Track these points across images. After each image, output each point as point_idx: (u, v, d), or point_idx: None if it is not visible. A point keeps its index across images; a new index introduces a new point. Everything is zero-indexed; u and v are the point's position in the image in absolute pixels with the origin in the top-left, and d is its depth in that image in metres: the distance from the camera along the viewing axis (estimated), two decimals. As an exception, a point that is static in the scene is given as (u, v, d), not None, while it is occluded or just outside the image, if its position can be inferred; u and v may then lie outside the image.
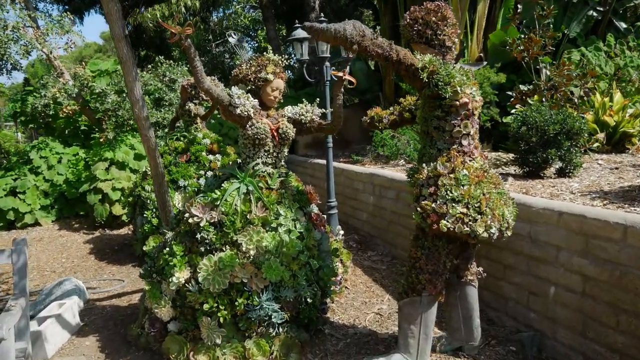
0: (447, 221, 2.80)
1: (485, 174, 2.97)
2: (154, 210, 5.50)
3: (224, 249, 3.22)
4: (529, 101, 6.02)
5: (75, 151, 8.44)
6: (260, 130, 3.26)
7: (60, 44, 7.83)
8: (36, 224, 7.88)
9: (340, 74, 3.18)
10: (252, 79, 3.32)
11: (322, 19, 5.06)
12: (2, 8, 7.15)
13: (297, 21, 5.58)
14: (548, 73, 5.69)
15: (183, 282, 3.21)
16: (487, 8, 9.15)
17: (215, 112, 6.54)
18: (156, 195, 3.98)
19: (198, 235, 3.23)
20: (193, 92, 5.93)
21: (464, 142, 2.97)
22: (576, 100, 5.73)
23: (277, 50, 10.15)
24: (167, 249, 3.36)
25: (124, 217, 7.31)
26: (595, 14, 9.42)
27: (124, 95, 7.73)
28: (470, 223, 2.80)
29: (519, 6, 9.55)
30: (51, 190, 8.03)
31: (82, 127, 9.06)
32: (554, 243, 3.29)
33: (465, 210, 2.81)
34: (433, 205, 2.85)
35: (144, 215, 5.57)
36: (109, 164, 7.55)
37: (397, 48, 2.72)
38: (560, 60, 5.78)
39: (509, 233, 2.96)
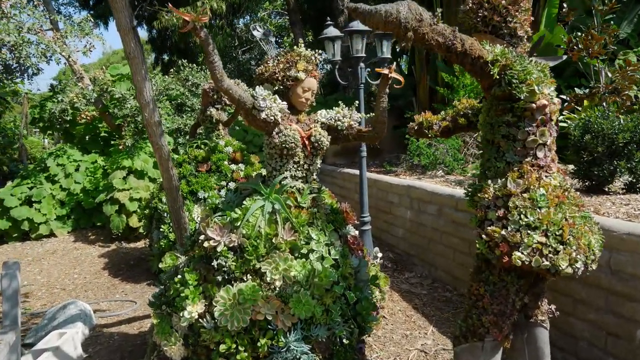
0: (522, 253, 2.24)
1: (566, 193, 2.41)
2: (171, 224, 5.03)
3: (244, 278, 2.71)
4: (577, 107, 5.40)
5: (93, 159, 8.09)
6: (289, 138, 2.75)
7: (79, 46, 7.49)
8: (51, 235, 7.53)
9: (386, 71, 2.66)
10: (280, 78, 2.82)
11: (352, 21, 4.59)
12: (21, 10, 6.84)
13: (327, 23, 5.10)
14: (609, 75, 5.05)
15: (196, 316, 2.71)
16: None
17: (239, 117, 6.08)
18: (170, 210, 3.51)
19: (215, 262, 2.74)
20: (215, 96, 5.49)
21: (540, 154, 2.41)
22: (641, 105, 5.08)
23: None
24: (179, 276, 2.87)
25: (141, 229, 6.89)
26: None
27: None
28: (551, 255, 2.23)
29: (564, 5, 8.92)
30: (68, 199, 7.68)
31: (102, 134, 8.72)
32: (646, 277, 2.69)
33: (544, 240, 2.25)
34: (503, 232, 2.30)
35: (161, 229, 5.12)
36: (127, 173, 7.17)
37: (462, 37, 2.18)
38: (625, 60, 5.12)
39: (594, 266, 2.38)
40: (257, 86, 2.77)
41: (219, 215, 2.89)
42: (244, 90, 2.71)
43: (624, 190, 4.11)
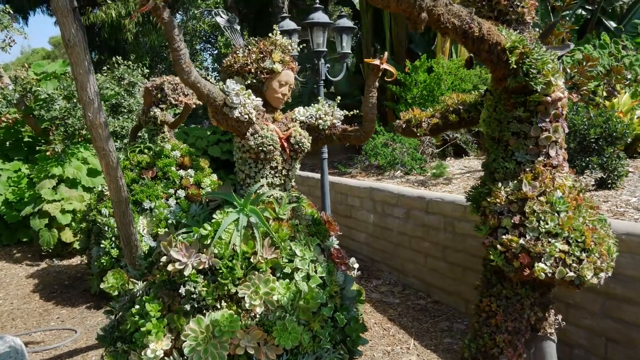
0: (545, 263, 1.98)
1: (581, 194, 2.18)
2: (113, 239, 4.48)
3: (218, 306, 2.31)
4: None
5: (17, 167, 7.23)
6: (266, 139, 2.36)
7: (-4, 41, 6.67)
8: (-32, 254, 6.65)
9: (377, 61, 2.35)
10: (252, 70, 2.43)
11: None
12: None
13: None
14: (568, 71, 5.02)
15: (162, 354, 2.27)
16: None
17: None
18: (118, 227, 3.02)
19: (182, 289, 2.30)
20: (159, 95, 4.97)
21: (552, 153, 2.18)
22: (601, 100, 5.09)
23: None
24: (137, 306, 2.42)
25: (76, 245, 6.20)
26: (584, 12, 8.97)
27: (75, 101, 6.64)
28: (575, 265, 2.00)
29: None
30: (-13, 213, 6.82)
31: (26, 139, 7.85)
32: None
33: (566, 248, 2.01)
34: (521, 241, 2.04)
35: (101, 245, 4.54)
36: (57, 182, 6.43)
37: (479, 20, 1.90)
38: (584, 55, 5.10)
39: (610, 273, 2.18)
40: (228, 79, 2.37)
41: (184, 233, 2.46)
42: (213, 85, 2.29)
43: (594, 187, 4.03)
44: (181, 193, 4.76)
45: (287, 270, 2.39)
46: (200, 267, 2.33)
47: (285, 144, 2.47)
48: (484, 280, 2.32)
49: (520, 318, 2.20)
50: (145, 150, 4.99)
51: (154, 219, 4.57)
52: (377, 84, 2.45)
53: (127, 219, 2.98)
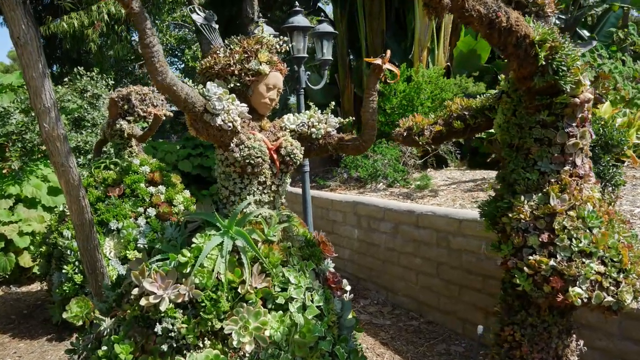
0: (580, 287, 1.73)
1: (611, 207, 1.95)
2: (77, 263, 4.07)
3: (200, 344, 1.98)
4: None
5: (-30, 186, 6.70)
6: (254, 151, 2.06)
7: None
8: None
9: (378, 60, 2.08)
10: (236, 73, 2.13)
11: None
12: None
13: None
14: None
15: (134, 405, 1.92)
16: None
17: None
18: (81, 252, 2.66)
19: (158, 326, 1.96)
20: (126, 106, 4.61)
21: (578, 161, 1.94)
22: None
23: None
24: (104, 347, 2.06)
25: (36, 270, 5.71)
26: (557, 22, 9.00)
27: (33, 114, 6.18)
28: (613, 289, 1.75)
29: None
30: (-64, 237, 6.24)
31: (-20, 156, 7.31)
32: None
33: (603, 269, 1.76)
34: (552, 262, 1.78)
35: (63, 270, 4.11)
36: (15, 202, 5.94)
37: (507, 9, 1.65)
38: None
39: (641, 294, 1.94)
40: (208, 83, 2.06)
41: (159, 260, 2.12)
42: (191, 88, 1.98)
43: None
44: (151, 212, 4.38)
45: (280, 300, 2.07)
46: (179, 301, 2.00)
47: (275, 156, 2.17)
48: (504, 306, 2.06)
49: (547, 348, 1.95)
50: (112, 166, 4.61)
51: (122, 240, 4.18)
52: (378, 86, 2.18)
53: (91, 244, 2.61)
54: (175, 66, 28.04)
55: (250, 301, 2.03)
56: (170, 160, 8.41)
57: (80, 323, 4.00)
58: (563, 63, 1.71)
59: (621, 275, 1.77)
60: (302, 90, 4.41)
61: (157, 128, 4.62)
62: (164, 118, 4.62)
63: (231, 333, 1.97)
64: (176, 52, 26.75)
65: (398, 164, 6.09)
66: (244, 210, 2.16)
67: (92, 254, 2.64)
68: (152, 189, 4.52)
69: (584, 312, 2.79)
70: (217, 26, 2.46)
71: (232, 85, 2.14)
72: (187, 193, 4.85)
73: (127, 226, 4.21)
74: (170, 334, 1.98)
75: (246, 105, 2.14)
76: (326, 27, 4.50)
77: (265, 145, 2.14)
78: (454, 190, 5.18)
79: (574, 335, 2.22)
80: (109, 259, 4.04)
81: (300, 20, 4.13)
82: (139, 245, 4.15)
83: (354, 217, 5.01)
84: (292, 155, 2.18)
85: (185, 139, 9.26)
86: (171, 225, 2.30)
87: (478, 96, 2.53)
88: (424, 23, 7.94)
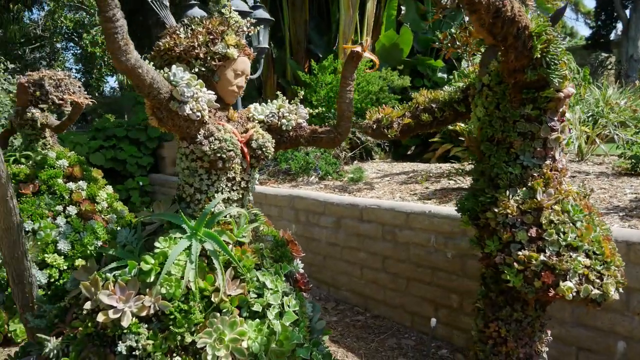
0: (571, 281, 1.73)
1: (586, 200, 1.99)
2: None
3: (169, 362, 1.75)
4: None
5: None
6: (225, 144, 1.85)
7: None
8: None
9: (358, 48, 1.95)
10: (201, 56, 1.90)
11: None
12: None
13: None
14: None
15: None
16: (375, 8, 8.52)
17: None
18: (6, 261, 2.28)
19: (121, 345, 1.71)
20: (38, 92, 4.09)
21: (557, 155, 1.95)
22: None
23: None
24: (51, 372, 1.77)
25: None
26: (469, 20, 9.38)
27: None
28: (598, 281, 1.78)
29: (402, 7, 9.13)
30: None
31: None
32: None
33: (588, 262, 1.78)
34: (542, 257, 1.77)
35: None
36: None
37: (511, -3, 1.59)
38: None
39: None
40: (173, 66, 1.82)
41: (114, 268, 1.85)
42: (157, 72, 1.73)
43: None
44: (72, 210, 3.94)
45: (257, 307, 1.90)
46: (143, 314, 1.76)
47: (246, 149, 1.98)
48: (487, 302, 2.03)
49: (530, 342, 1.95)
50: (23, 160, 4.09)
51: (39, 242, 3.72)
52: (355, 75, 2.06)
53: (19, 250, 2.25)
54: (72, 51, 26.06)
55: (224, 310, 1.83)
56: (81, 152, 7.72)
57: (-8, 338, 3.54)
58: (555, 56, 1.69)
59: (604, 268, 1.81)
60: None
61: (77, 117, 4.17)
62: (83, 106, 4.17)
63: (204, 347, 1.77)
64: (73, 36, 24.90)
65: (329, 156, 6.03)
66: (213, 209, 1.95)
67: (19, 262, 2.27)
68: (71, 185, 4.07)
69: (623, 326, 2.86)
70: (167, 3, 2.20)
71: (196, 70, 1.91)
72: (109, 189, 4.44)
73: (45, 227, 3.76)
74: (133, 353, 1.73)
75: (213, 92, 1.92)
76: (262, 14, 4.31)
77: (236, 137, 1.94)
78: (388, 182, 5.20)
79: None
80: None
81: (238, 4, 3.90)
82: (59, 248, 3.73)
83: (291, 212, 4.87)
84: (264, 149, 2.00)
85: (94, 129, 8.52)
86: (124, 227, 2.03)
87: (414, 90, 2.50)
88: (348, 15, 7.93)
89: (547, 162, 1.92)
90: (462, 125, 4.43)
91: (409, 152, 8.45)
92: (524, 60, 1.70)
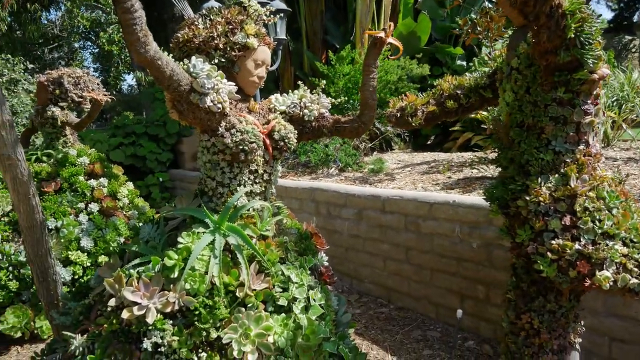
0: (608, 271, 1.66)
1: (622, 186, 1.91)
2: (10, 268, 3.61)
3: (195, 358, 1.73)
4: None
5: None
6: (247, 135, 1.82)
7: None
8: None
9: (382, 33, 1.89)
10: (220, 46, 1.86)
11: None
12: None
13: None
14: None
15: None
16: (391, -4, 8.40)
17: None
18: (30, 259, 2.29)
19: (147, 342, 1.69)
20: (57, 91, 4.12)
21: (591, 140, 1.87)
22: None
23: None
24: (78, 369, 1.76)
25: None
26: (490, 5, 9.20)
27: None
28: (636, 270, 1.70)
29: (419, -6, 8.99)
30: None
31: None
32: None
33: (626, 251, 1.71)
34: (577, 246, 1.70)
35: (-6, 276, 3.64)
36: None
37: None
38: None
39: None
40: (193, 57, 1.78)
41: (137, 265, 1.84)
42: (176, 63, 1.70)
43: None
44: (94, 207, 3.97)
45: (282, 302, 1.86)
46: (167, 310, 1.74)
47: (268, 141, 1.94)
48: (520, 294, 1.97)
49: (564, 333, 1.89)
50: (44, 158, 4.12)
51: (62, 240, 3.76)
52: (378, 62, 2.00)
53: (42, 248, 2.25)
54: (90, 50, 26.30)
55: (250, 305, 1.80)
56: (101, 150, 7.77)
57: (19, 335, 3.57)
58: (590, 36, 1.62)
59: (642, 256, 1.73)
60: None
61: (97, 114, 4.18)
62: (103, 103, 4.18)
63: (230, 342, 1.74)
64: (90, 35, 25.12)
65: (349, 148, 5.97)
66: (236, 203, 1.92)
67: (43, 259, 2.28)
68: (93, 182, 4.09)
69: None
70: (186, -6, 2.17)
71: (216, 61, 1.87)
72: (130, 185, 4.46)
73: (68, 224, 3.78)
74: (159, 351, 1.72)
75: (234, 83, 1.88)
76: (279, 4, 4.26)
77: (258, 129, 1.90)
78: (409, 173, 5.13)
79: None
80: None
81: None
82: (82, 245, 3.75)
83: (311, 204, 4.84)
84: (286, 140, 1.96)
85: (114, 126, 8.59)
86: (146, 223, 2.01)
87: (433, 79, 2.43)
88: (364, 5, 7.83)
89: (581, 147, 1.84)
90: (484, 113, 4.33)
91: (428, 142, 8.35)
92: (556, 41, 1.62)
